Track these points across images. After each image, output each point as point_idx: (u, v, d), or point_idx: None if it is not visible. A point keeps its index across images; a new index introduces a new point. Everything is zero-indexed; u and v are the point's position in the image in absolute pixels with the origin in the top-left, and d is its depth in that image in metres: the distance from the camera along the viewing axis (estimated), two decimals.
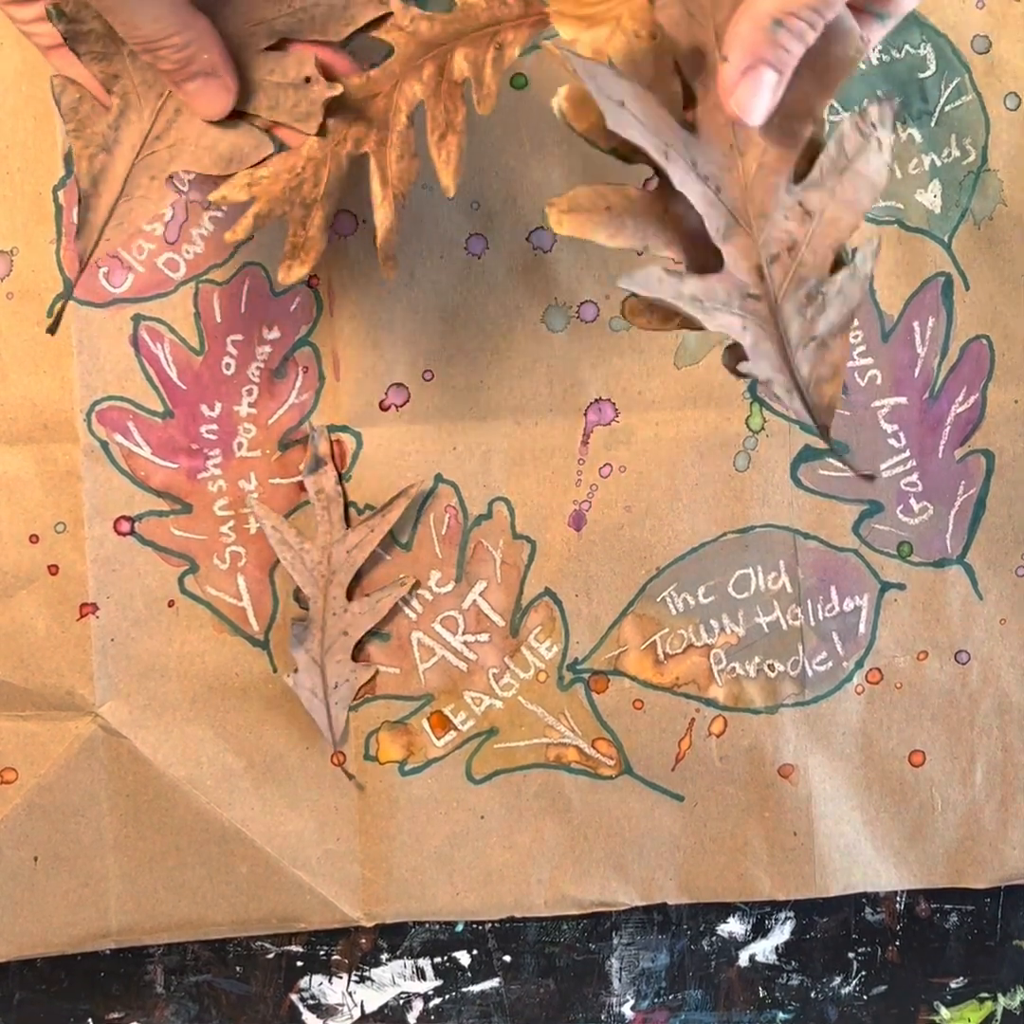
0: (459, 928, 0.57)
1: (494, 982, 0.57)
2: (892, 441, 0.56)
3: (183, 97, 0.44)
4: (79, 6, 0.43)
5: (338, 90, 0.45)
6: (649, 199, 0.41)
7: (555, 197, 0.40)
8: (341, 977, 0.57)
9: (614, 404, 0.55)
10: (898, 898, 0.58)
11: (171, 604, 0.54)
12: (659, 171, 0.40)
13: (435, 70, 0.46)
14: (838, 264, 0.43)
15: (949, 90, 0.55)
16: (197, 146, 0.46)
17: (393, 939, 0.57)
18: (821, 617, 0.56)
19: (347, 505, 0.54)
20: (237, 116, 0.45)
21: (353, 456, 0.54)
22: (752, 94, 0.39)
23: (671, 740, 0.56)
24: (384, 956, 0.57)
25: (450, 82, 0.46)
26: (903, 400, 0.56)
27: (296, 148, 0.46)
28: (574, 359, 0.55)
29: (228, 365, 0.54)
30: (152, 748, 0.54)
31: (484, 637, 0.55)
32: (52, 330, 0.49)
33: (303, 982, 0.56)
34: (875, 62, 0.55)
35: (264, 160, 0.46)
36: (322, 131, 0.45)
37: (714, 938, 0.58)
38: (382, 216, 0.46)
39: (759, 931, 0.58)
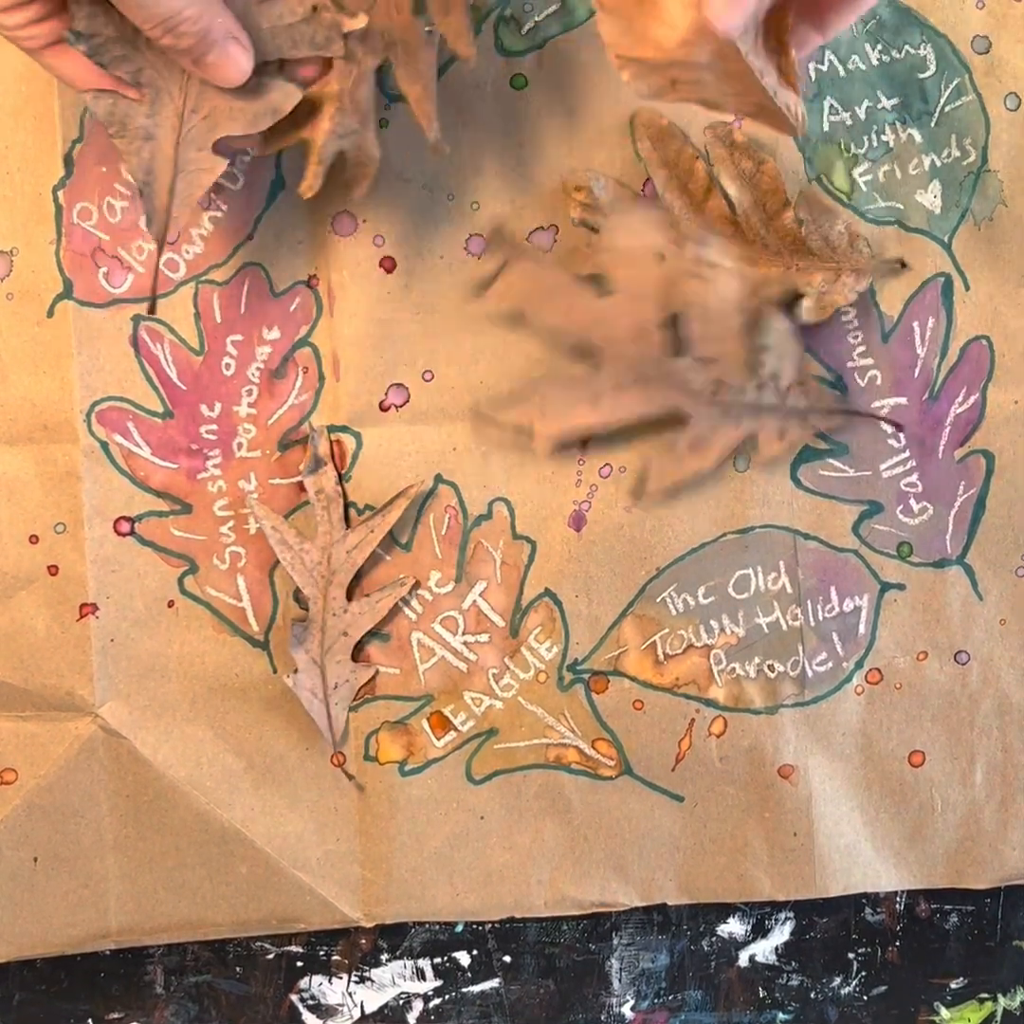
0: (459, 928, 0.57)
1: (494, 982, 0.57)
2: (892, 441, 0.56)
3: (204, 72, 0.45)
4: (91, 17, 0.44)
5: (362, 21, 0.46)
6: None
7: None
8: (341, 977, 0.57)
9: None
10: (898, 898, 0.58)
11: (171, 604, 0.54)
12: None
13: None
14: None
15: (949, 90, 0.55)
16: (231, 109, 0.47)
17: (393, 939, 0.57)
18: (821, 617, 0.56)
19: (347, 505, 0.54)
20: (259, 72, 0.47)
21: (353, 456, 0.54)
22: (728, 4, 0.40)
23: (671, 741, 0.56)
24: (384, 956, 0.57)
25: None
26: (903, 400, 0.56)
27: (325, 83, 0.47)
28: None
29: (228, 365, 0.54)
30: (152, 749, 0.54)
31: (484, 637, 0.55)
32: (151, 308, 0.50)
33: (303, 982, 0.56)
34: (875, 62, 0.55)
35: (311, 111, 0.48)
36: (349, 54, 0.47)
37: (714, 938, 0.58)
38: (423, 106, 0.49)
39: (759, 931, 0.58)
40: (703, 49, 0.43)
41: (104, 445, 0.53)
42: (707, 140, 0.53)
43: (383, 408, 0.54)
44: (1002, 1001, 0.59)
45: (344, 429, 0.54)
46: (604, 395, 0.52)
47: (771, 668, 0.56)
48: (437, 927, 0.57)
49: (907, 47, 0.55)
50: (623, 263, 0.52)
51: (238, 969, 0.56)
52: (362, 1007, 0.57)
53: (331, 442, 0.54)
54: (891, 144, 0.55)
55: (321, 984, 0.57)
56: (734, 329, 0.53)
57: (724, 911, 0.58)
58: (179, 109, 0.47)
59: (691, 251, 0.52)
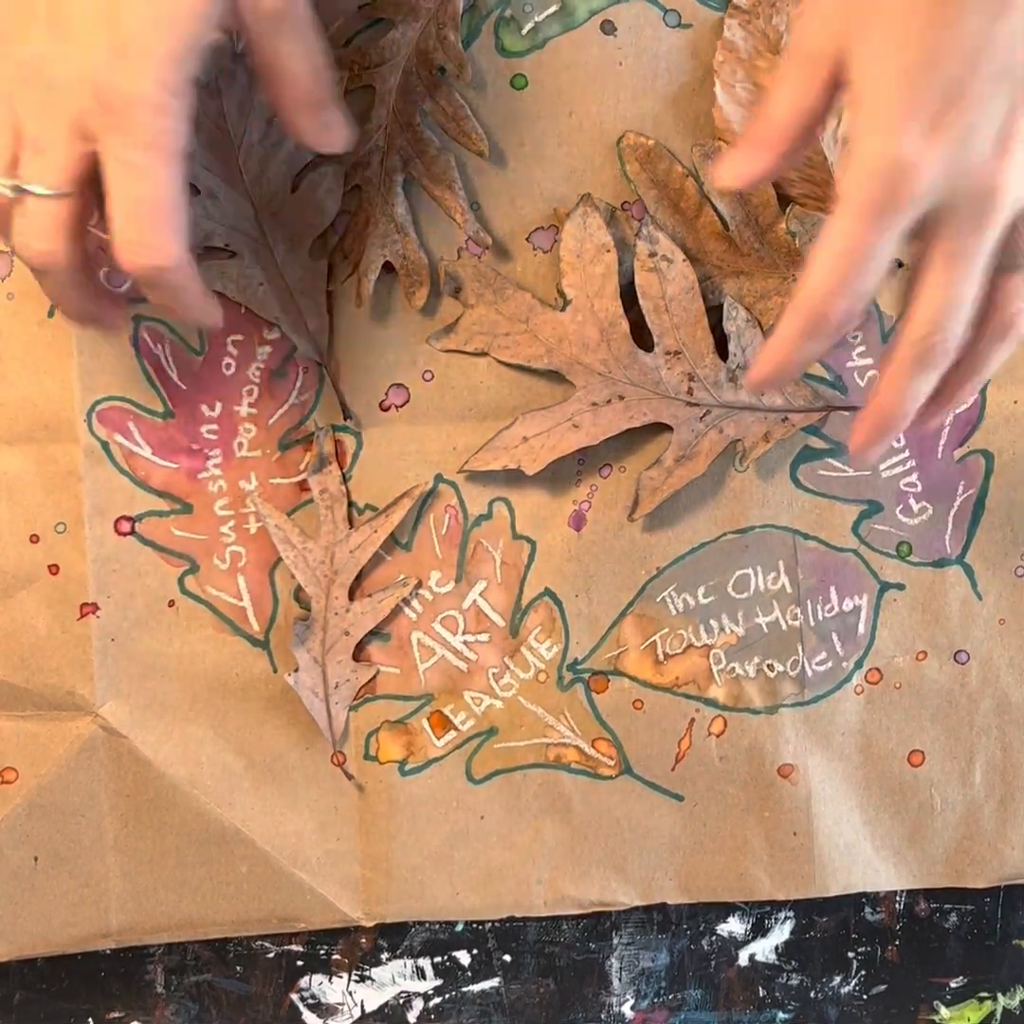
0: (459, 928, 0.57)
1: (494, 982, 0.57)
2: (891, 441, 0.56)
3: (323, 129, 0.45)
4: None
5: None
6: None
7: None
8: (341, 976, 0.57)
9: None
10: (898, 898, 0.59)
11: (171, 604, 0.54)
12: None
13: (404, 77, 0.52)
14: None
15: None
16: (304, 216, 0.52)
17: (393, 939, 0.57)
18: (820, 617, 0.57)
19: (348, 505, 0.54)
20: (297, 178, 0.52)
21: (353, 456, 0.54)
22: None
23: (671, 740, 0.56)
24: (384, 955, 0.57)
25: (429, 73, 0.52)
26: None
27: (360, 210, 0.53)
28: None
29: (228, 365, 0.54)
30: (152, 748, 0.54)
31: (484, 637, 0.55)
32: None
33: (303, 982, 0.57)
34: None
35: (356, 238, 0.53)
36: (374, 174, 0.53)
37: (714, 938, 0.58)
38: (451, 204, 0.53)
39: (759, 931, 0.58)
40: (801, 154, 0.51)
41: (105, 445, 0.53)
42: (695, 158, 0.53)
43: (383, 408, 0.54)
44: (1002, 1000, 0.59)
45: (344, 429, 0.54)
46: (584, 416, 0.53)
47: (771, 668, 0.56)
48: (437, 926, 0.57)
49: None
50: (573, 267, 0.52)
51: (238, 968, 0.56)
52: (362, 1006, 0.57)
53: (334, 441, 0.54)
54: None
55: (321, 983, 0.57)
56: (695, 316, 0.53)
57: (724, 910, 0.58)
58: (268, 244, 0.52)
59: (641, 247, 0.53)
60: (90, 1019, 0.56)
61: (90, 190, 0.42)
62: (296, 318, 0.53)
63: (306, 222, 0.52)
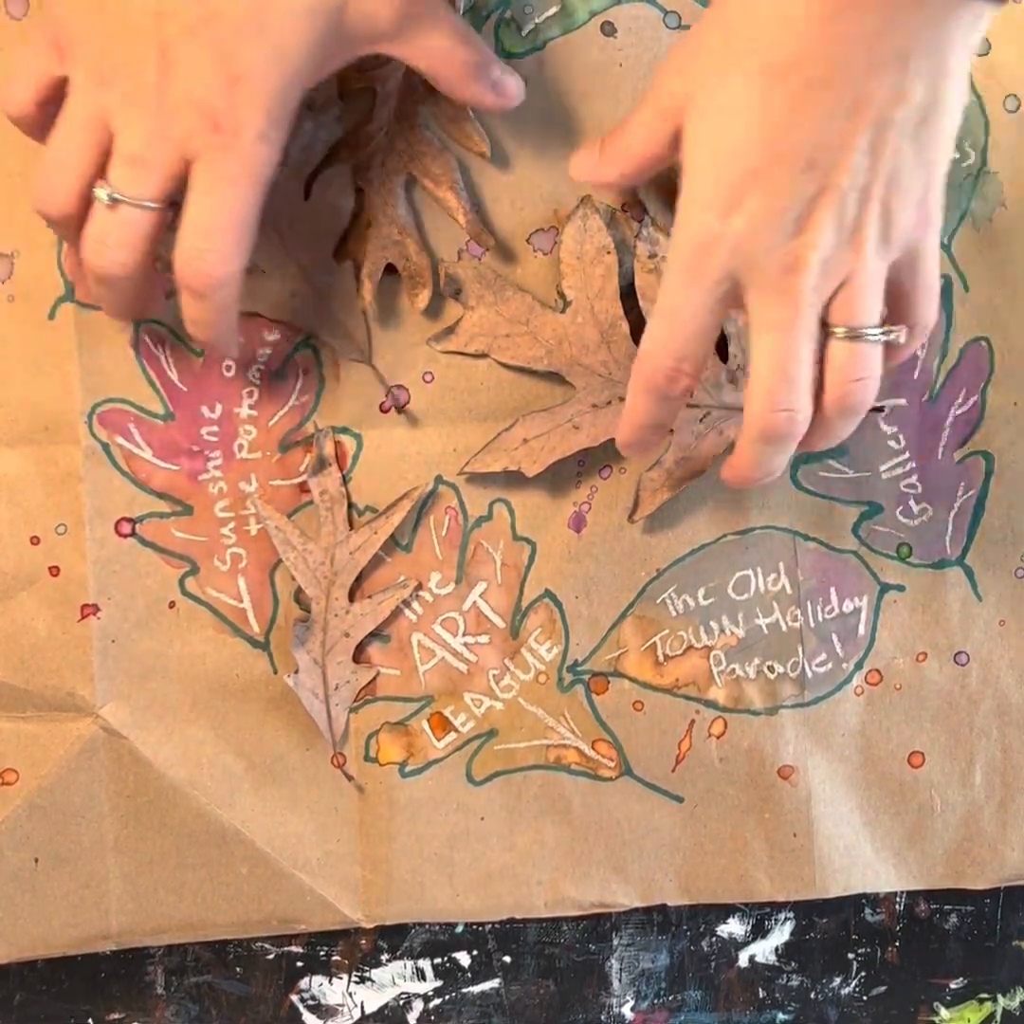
0: (459, 929, 0.57)
1: (494, 983, 0.57)
2: (891, 443, 0.57)
3: (496, 87, 0.48)
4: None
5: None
6: None
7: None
8: (341, 978, 0.57)
9: None
10: (898, 899, 0.59)
11: (172, 605, 0.54)
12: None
13: (405, 78, 0.51)
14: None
15: None
16: (314, 225, 0.52)
17: (393, 940, 0.57)
18: (821, 618, 0.57)
19: (348, 506, 0.54)
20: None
21: (353, 458, 0.54)
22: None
23: (671, 741, 0.56)
24: (384, 957, 0.57)
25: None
26: (902, 402, 0.56)
27: (362, 212, 0.52)
28: None
29: (228, 367, 0.54)
30: (153, 749, 0.54)
31: (484, 639, 0.55)
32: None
33: (303, 983, 0.57)
34: None
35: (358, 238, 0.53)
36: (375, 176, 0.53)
37: (714, 939, 0.58)
38: (452, 204, 0.53)
39: (759, 932, 0.58)
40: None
41: (105, 446, 0.53)
42: None
43: (383, 409, 0.54)
44: (1002, 1001, 0.60)
45: (344, 430, 0.54)
46: (584, 418, 0.53)
47: (771, 669, 0.56)
48: (437, 927, 0.57)
49: None
50: (573, 268, 0.52)
51: (238, 969, 0.56)
52: (362, 1007, 0.57)
53: (334, 443, 0.54)
54: None
55: (321, 984, 0.57)
56: None
57: (724, 911, 0.58)
58: (292, 255, 0.52)
59: (641, 248, 0.53)
60: (90, 1020, 0.56)
61: (170, 209, 0.45)
62: (333, 322, 0.53)
63: (324, 227, 0.52)
